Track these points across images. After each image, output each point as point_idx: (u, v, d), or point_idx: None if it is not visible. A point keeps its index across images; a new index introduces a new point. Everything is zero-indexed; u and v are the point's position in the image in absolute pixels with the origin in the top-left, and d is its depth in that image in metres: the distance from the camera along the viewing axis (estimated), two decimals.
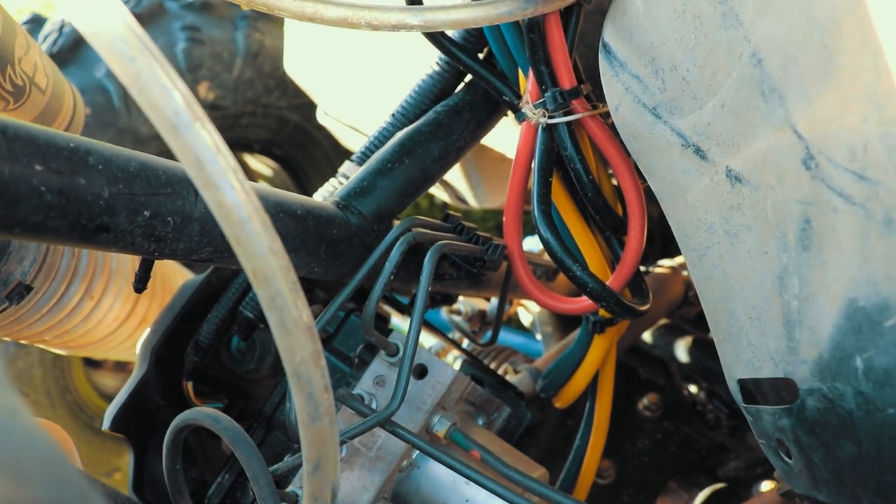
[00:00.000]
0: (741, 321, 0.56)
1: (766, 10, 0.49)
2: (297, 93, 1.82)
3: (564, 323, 1.18)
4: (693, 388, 1.17)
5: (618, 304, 0.69)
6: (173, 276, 1.18)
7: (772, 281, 0.52)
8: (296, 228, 0.62)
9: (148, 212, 0.51)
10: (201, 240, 0.55)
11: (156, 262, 0.63)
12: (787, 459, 0.53)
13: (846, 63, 0.44)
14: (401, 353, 0.69)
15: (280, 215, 0.60)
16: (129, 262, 1.02)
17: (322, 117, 1.30)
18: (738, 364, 0.57)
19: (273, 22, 1.79)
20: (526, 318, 1.32)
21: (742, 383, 0.56)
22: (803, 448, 0.50)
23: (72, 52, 1.67)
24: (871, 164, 0.44)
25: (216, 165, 0.35)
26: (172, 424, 0.65)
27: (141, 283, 0.59)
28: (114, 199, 0.49)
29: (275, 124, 1.91)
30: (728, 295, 0.57)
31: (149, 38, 0.36)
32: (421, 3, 0.70)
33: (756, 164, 0.52)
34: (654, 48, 0.59)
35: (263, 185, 0.67)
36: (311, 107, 1.89)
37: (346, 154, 1.98)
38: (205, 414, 0.64)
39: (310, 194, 0.78)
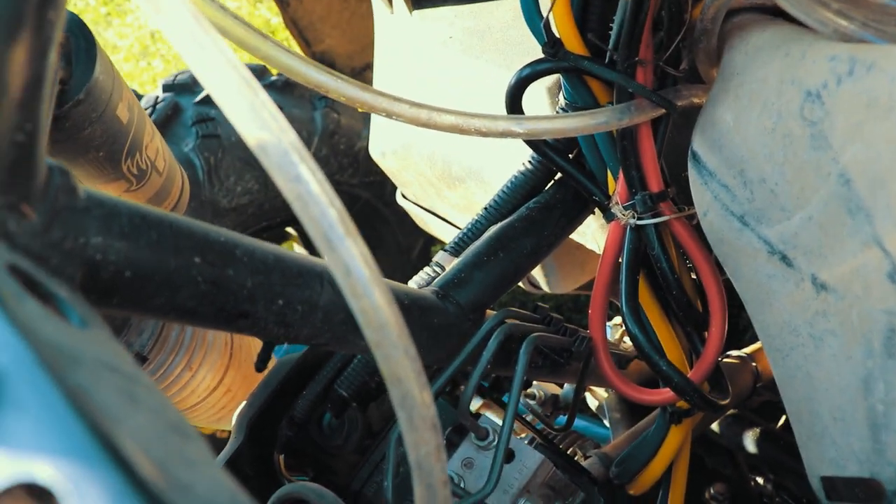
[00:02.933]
0: (825, 421, 0.59)
1: (855, 135, 0.53)
2: (368, 171, 1.90)
3: (634, 410, 1.20)
4: (760, 480, 1.17)
5: (700, 399, 0.72)
6: (249, 348, 1.24)
7: (857, 384, 0.55)
8: (405, 318, 0.67)
9: (282, 300, 0.56)
10: (323, 327, 0.60)
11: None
12: None
13: None
14: (491, 437, 0.73)
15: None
16: (219, 335, 1.08)
17: (401, 199, 1.37)
18: (821, 462, 0.59)
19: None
20: (592, 403, 1.34)
21: (825, 481, 0.59)
22: None
23: (163, 126, 1.78)
24: None
25: (363, 277, 0.40)
26: (276, 496, 0.70)
27: (262, 364, 0.64)
28: (255, 289, 0.54)
29: (347, 200, 2.00)
30: (812, 395, 0.60)
31: (310, 157, 0.41)
32: (522, 112, 0.77)
33: (843, 275, 0.56)
34: (744, 161, 0.63)
35: (384, 280, 0.72)
36: (381, 185, 1.97)
37: (411, 232, 2.06)
38: (310, 489, 0.68)
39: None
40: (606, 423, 1.24)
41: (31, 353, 0.27)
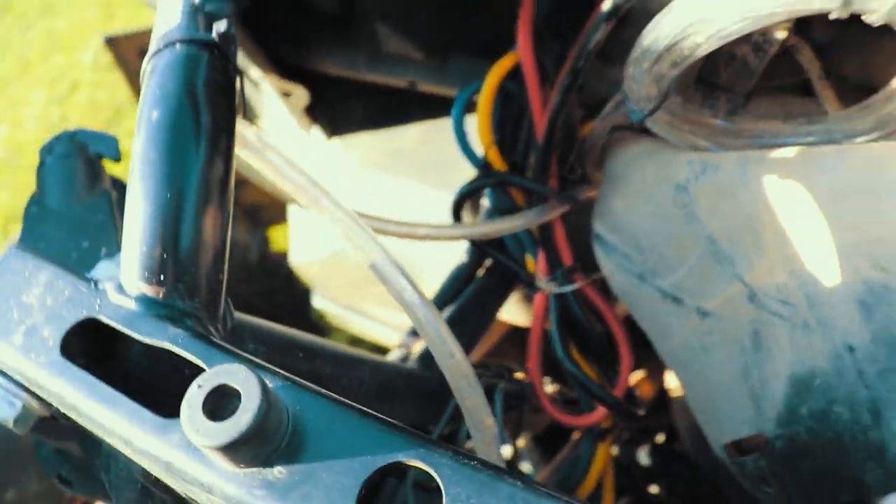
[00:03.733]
0: (720, 404, 0.85)
1: (714, 211, 0.81)
2: (260, 281, 2.07)
3: (550, 449, 1.44)
4: (654, 489, 1.43)
5: (626, 411, 0.97)
6: None
7: (738, 374, 0.82)
8: (407, 388, 0.88)
9: (344, 380, 0.76)
10: (366, 397, 0.80)
11: None
12: (767, 489, 0.81)
13: (769, 240, 0.77)
14: None
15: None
16: None
17: (318, 302, 1.56)
18: (721, 434, 0.85)
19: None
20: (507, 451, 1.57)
21: (727, 446, 0.85)
22: (777, 475, 0.78)
23: None
24: (790, 295, 0.75)
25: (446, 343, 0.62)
26: None
27: None
28: (330, 373, 0.74)
29: (245, 308, 2.14)
30: (708, 389, 0.86)
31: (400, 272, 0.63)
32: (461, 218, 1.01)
33: (718, 304, 0.83)
34: (637, 236, 0.90)
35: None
36: (269, 292, 2.14)
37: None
38: None
39: None
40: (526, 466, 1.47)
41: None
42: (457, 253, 1.11)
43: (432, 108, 1.25)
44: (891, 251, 0.69)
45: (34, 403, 0.57)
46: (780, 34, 0.81)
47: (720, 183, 0.81)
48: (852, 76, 0.87)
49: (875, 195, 0.71)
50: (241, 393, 0.41)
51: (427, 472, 0.41)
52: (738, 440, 0.83)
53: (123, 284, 0.53)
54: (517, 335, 1.28)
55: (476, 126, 1.01)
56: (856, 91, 0.84)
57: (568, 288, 0.99)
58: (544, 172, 0.96)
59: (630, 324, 1.00)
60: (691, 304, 0.86)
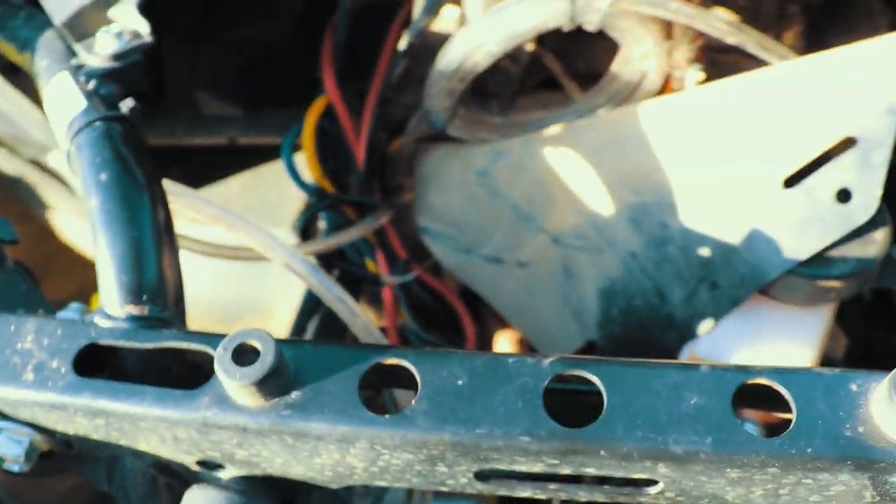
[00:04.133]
0: (552, 332, 1.09)
1: (513, 184, 1.06)
2: None
3: None
4: None
5: None
6: None
7: (561, 303, 1.07)
8: None
9: None
10: None
11: None
12: None
13: (558, 195, 1.02)
14: None
15: None
16: None
17: None
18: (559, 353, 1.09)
19: None
20: None
21: None
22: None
23: None
24: (583, 231, 1.01)
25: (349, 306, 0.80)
26: None
27: None
28: None
29: None
30: (540, 323, 1.10)
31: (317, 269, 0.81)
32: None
33: (532, 253, 1.07)
34: (455, 219, 1.13)
35: None
36: None
37: None
38: None
39: None
40: None
41: None
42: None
43: (247, 159, 1.41)
44: (640, 180, 0.96)
45: (38, 438, 0.68)
46: (530, 47, 1.08)
47: (512, 162, 1.06)
48: (582, 69, 1.16)
49: (620, 145, 0.98)
50: (260, 344, 0.57)
51: (402, 366, 0.60)
52: (574, 352, 1.08)
53: (109, 311, 0.66)
54: None
55: (303, 163, 1.19)
56: (587, 80, 1.13)
57: (408, 277, 1.19)
58: (369, 188, 1.16)
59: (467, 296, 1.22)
60: (511, 260, 1.10)
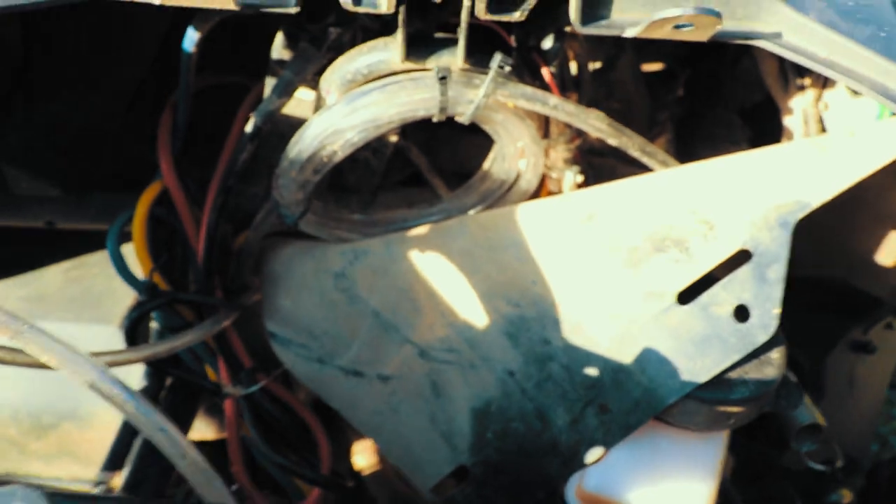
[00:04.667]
0: (419, 453, 0.96)
1: (373, 289, 0.94)
2: None
3: None
4: None
5: (338, 486, 1.04)
6: None
7: (427, 422, 0.94)
8: None
9: None
10: None
11: None
12: None
13: (425, 303, 0.91)
14: None
15: None
16: None
17: None
18: (427, 479, 0.96)
19: None
20: None
21: (434, 489, 0.96)
22: (483, 497, 0.91)
23: None
24: (453, 343, 0.90)
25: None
26: None
27: None
28: None
29: None
30: (406, 443, 0.97)
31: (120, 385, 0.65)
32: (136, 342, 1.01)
33: (395, 366, 0.95)
34: (309, 325, 0.99)
35: None
36: None
37: None
38: None
39: None
40: None
41: None
42: (133, 380, 1.09)
43: (69, 246, 1.23)
44: (517, 290, 0.87)
45: None
46: (393, 138, 0.98)
47: (373, 264, 0.94)
48: (446, 166, 1.07)
49: (494, 249, 0.88)
50: None
51: None
52: (443, 480, 0.95)
53: None
54: (209, 449, 1.28)
55: (132, 254, 1.03)
56: (453, 178, 1.04)
57: (254, 388, 1.04)
58: (209, 286, 1.01)
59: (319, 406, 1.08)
60: (371, 373, 0.97)
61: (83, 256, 1.23)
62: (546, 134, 0.90)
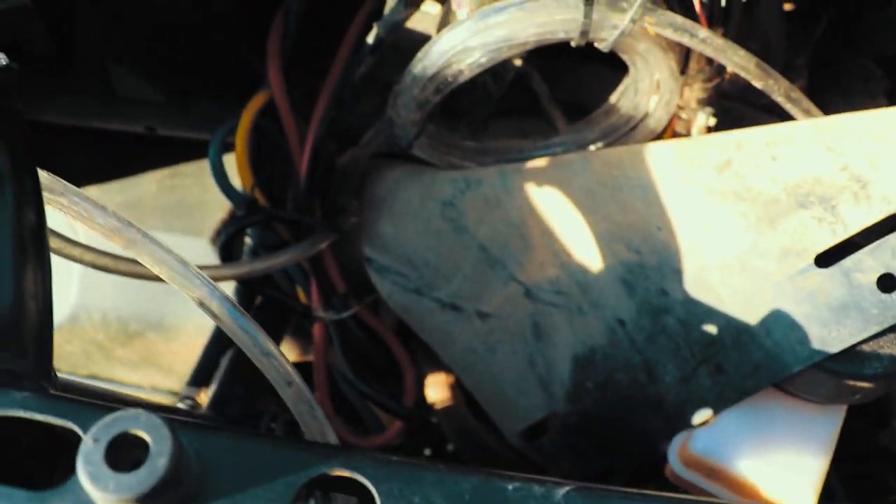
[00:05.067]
0: (511, 395, 0.93)
1: (482, 221, 0.89)
2: None
3: None
4: None
5: (421, 421, 1.02)
6: None
7: (525, 365, 0.90)
8: None
9: None
10: None
11: None
12: (565, 463, 0.90)
13: (537, 240, 0.86)
14: None
15: None
16: None
17: None
18: (515, 422, 0.93)
19: None
20: None
21: (523, 432, 0.93)
22: (573, 446, 0.87)
23: None
24: (562, 286, 0.85)
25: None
26: None
27: None
28: None
29: None
30: (498, 385, 0.94)
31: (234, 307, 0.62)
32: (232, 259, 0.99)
33: (497, 304, 0.91)
34: (409, 254, 0.96)
35: None
36: None
37: None
38: None
39: None
40: None
41: None
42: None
43: (166, 154, 1.21)
44: (640, 235, 0.81)
45: None
46: (517, 62, 0.92)
47: (484, 195, 0.89)
48: (565, 97, 1.00)
49: (618, 189, 0.83)
50: (150, 437, 0.39)
51: (357, 482, 0.42)
52: (534, 424, 0.91)
53: None
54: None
55: (233, 166, 1.00)
56: (568, 109, 0.98)
57: (346, 314, 1.01)
58: (309, 206, 0.98)
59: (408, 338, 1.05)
60: (471, 309, 0.93)
61: (179, 165, 1.21)
62: (684, 70, 0.83)
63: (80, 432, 0.43)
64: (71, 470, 0.42)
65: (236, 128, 0.98)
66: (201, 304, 0.59)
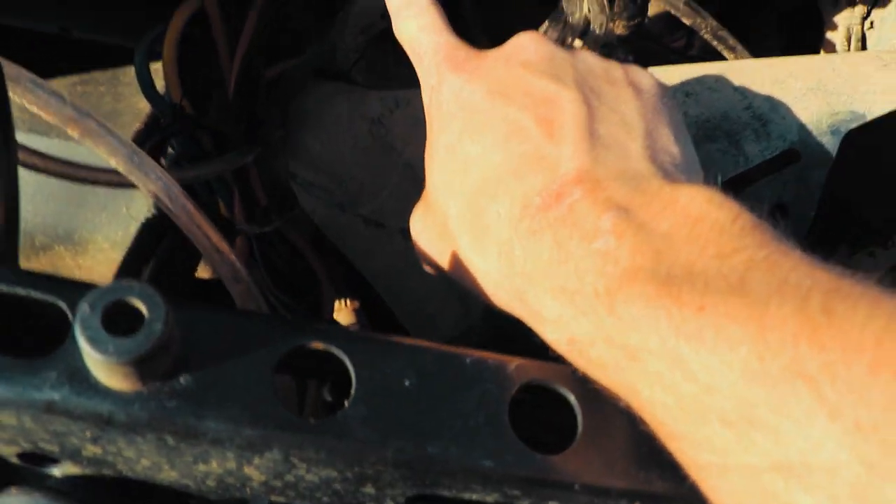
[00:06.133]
0: (431, 314, 0.98)
1: (409, 139, 0.92)
2: None
3: None
4: None
5: None
6: None
7: (444, 282, 0.95)
8: None
9: None
10: None
11: None
12: None
13: None
14: None
15: None
16: None
17: None
18: (434, 336, 0.98)
19: None
20: None
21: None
22: None
23: None
24: None
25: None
26: None
27: None
28: None
29: None
30: (418, 302, 0.98)
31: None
32: None
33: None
34: (335, 169, 0.98)
35: None
36: None
37: None
38: None
39: None
40: None
41: None
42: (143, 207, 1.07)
43: (79, 57, 1.17)
44: None
45: None
46: None
47: (413, 114, 0.92)
48: (496, 28, 1.04)
49: None
50: (144, 305, 0.41)
51: (332, 354, 0.46)
52: (453, 338, 0.97)
53: None
54: (211, 288, 1.27)
55: (155, 73, 0.99)
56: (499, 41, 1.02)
57: (269, 227, 1.03)
58: (238, 117, 0.98)
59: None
60: (394, 226, 0.97)
61: (91, 72, 1.17)
62: (610, 6, 0.88)
63: (64, 307, 0.45)
64: (53, 345, 0.44)
65: (163, 35, 0.96)
66: (156, 198, 0.60)
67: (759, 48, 1.28)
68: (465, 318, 0.94)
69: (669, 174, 0.54)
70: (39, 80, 0.57)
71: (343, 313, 1.14)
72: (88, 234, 1.19)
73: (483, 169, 0.58)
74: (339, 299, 1.12)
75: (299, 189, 1.01)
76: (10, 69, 0.56)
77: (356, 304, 1.11)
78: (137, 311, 0.41)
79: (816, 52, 1.22)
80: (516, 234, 0.52)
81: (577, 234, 0.48)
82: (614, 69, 0.62)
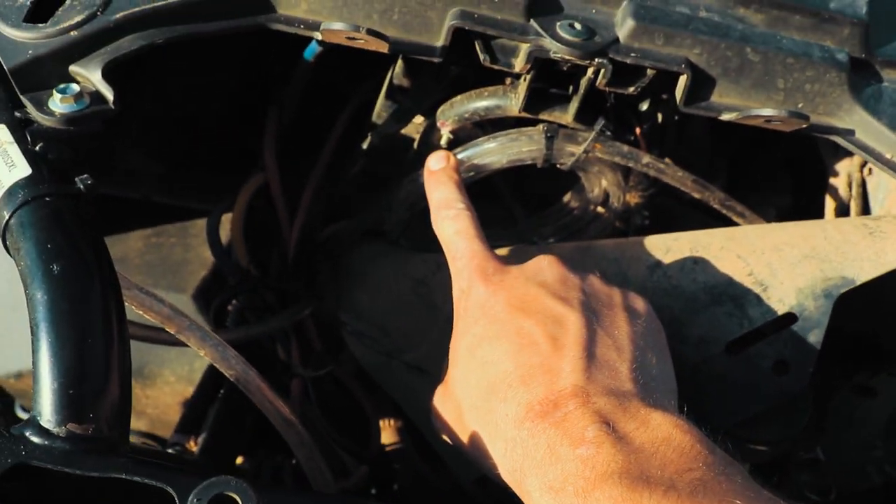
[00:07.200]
0: (467, 450, 1.07)
1: (450, 297, 1.04)
2: None
3: None
4: None
5: (384, 464, 1.15)
6: None
7: None
8: None
9: None
10: None
11: None
12: None
13: None
14: None
15: None
16: None
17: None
18: (469, 471, 1.07)
19: None
20: None
21: (475, 483, 1.07)
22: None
23: None
24: None
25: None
26: None
27: None
28: None
29: None
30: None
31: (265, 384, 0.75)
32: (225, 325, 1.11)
33: None
34: (382, 322, 1.09)
35: None
36: None
37: None
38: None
39: None
40: None
41: None
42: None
43: (152, 214, 1.32)
44: None
45: None
46: None
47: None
48: (530, 190, 1.16)
49: None
50: (239, 497, 0.52)
51: None
52: (485, 476, 1.05)
53: (48, 427, 0.58)
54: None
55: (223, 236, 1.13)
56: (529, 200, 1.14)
57: (323, 371, 1.14)
58: (297, 275, 1.11)
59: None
60: (435, 373, 1.07)
61: (164, 226, 1.32)
62: (626, 180, 1.00)
63: (172, 493, 0.56)
64: None
65: (232, 205, 1.10)
66: (238, 380, 0.72)
67: (769, 190, 1.39)
68: None
69: (649, 390, 0.67)
70: (144, 288, 0.70)
71: (387, 433, 1.24)
72: (157, 368, 1.31)
73: (497, 373, 0.69)
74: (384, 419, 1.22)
75: (349, 336, 1.12)
76: (123, 281, 0.68)
77: (399, 422, 1.21)
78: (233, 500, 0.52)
79: (822, 193, 1.33)
80: (519, 435, 0.64)
81: (566, 441, 0.60)
82: (615, 295, 0.76)
